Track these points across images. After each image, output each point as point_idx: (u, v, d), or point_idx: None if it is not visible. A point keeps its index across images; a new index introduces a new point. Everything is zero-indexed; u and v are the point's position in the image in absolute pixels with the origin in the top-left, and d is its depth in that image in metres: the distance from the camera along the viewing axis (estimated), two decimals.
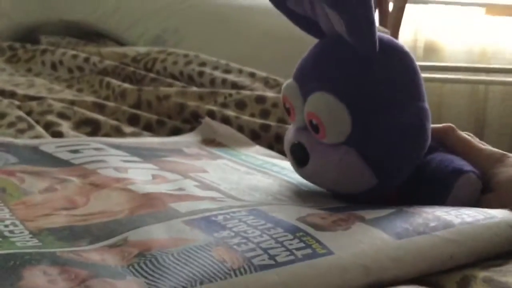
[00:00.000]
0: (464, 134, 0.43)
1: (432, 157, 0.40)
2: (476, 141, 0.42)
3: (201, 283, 0.24)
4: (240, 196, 0.38)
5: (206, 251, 0.27)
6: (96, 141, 0.52)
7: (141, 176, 0.42)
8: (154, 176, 0.42)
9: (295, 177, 0.46)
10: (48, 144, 0.50)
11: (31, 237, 0.30)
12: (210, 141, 0.59)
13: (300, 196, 0.40)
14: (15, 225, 0.31)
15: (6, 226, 0.31)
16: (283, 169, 0.49)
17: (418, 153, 0.39)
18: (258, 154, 0.55)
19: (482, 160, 0.40)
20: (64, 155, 0.47)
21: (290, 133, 0.41)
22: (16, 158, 0.44)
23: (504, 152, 0.41)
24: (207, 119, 0.62)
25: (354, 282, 0.27)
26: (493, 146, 0.43)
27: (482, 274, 0.29)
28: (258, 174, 0.47)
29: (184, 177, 0.42)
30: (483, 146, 0.42)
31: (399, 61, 0.38)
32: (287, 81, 0.41)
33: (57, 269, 0.25)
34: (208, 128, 0.61)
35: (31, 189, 0.38)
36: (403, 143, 0.38)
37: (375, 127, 0.37)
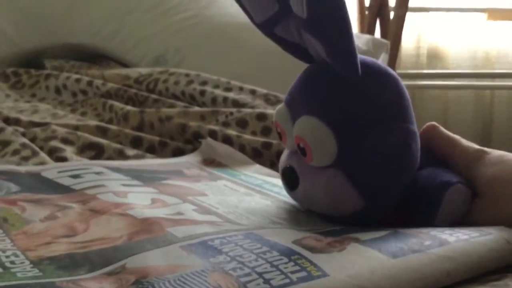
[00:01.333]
0: (447, 132, 0.42)
1: (419, 173, 0.40)
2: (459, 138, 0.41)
3: None
4: (238, 220, 0.39)
5: (202, 277, 0.28)
6: (97, 165, 0.53)
7: (140, 200, 0.42)
8: (153, 200, 0.43)
9: None
10: (50, 170, 0.51)
11: (31, 267, 0.30)
12: (210, 162, 0.59)
13: (297, 219, 0.41)
14: (16, 256, 0.32)
15: (8, 256, 0.31)
16: (282, 189, 0.49)
17: (405, 175, 0.39)
18: (258, 174, 0.56)
19: (466, 161, 0.39)
20: (66, 181, 0.47)
21: (283, 157, 0.42)
22: (18, 187, 0.45)
23: (484, 149, 0.40)
24: (207, 140, 0.63)
25: None
26: (502, 150, 0.41)
27: None
28: (256, 195, 0.47)
29: (183, 200, 0.43)
30: (466, 145, 0.40)
31: (383, 83, 0.39)
32: (278, 106, 0.41)
33: None
34: (208, 148, 0.61)
35: (32, 217, 0.38)
36: (389, 165, 0.38)
37: (360, 150, 0.37)
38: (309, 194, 0.39)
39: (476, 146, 0.41)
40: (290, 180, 0.40)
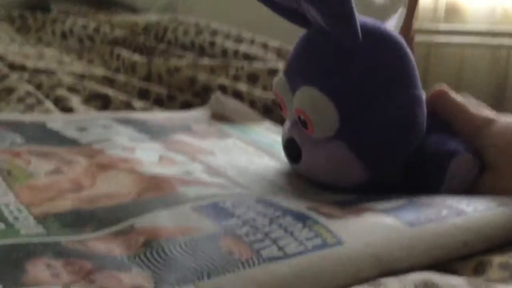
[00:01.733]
0: (458, 97, 0.40)
1: (426, 140, 0.38)
2: (471, 102, 0.40)
3: (209, 276, 0.24)
4: (247, 184, 0.38)
5: (213, 241, 0.27)
6: (104, 117, 0.51)
7: (148, 157, 0.41)
8: (161, 158, 0.41)
9: None
10: (56, 121, 0.49)
11: (36, 224, 0.29)
12: (220, 116, 0.58)
13: (309, 185, 0.39)
14: (20, 211, 0.31)
15: (11, 212, 0.30)
16: None
17: (410, 143, 0.37)
18: (268, 132, 0.54)
19: (473, 129, 0.38)
20: (71, 133, 0.46)
21: (285, 127, 0.40)
22: (23, 138, 0.44)
23: (491, 117, 0.38)
24: (217, 94, 0.61)
25: (365, 272, 0.26)
26: None
27: (498, 259, 0.28)
28: (266, 157, 0.46)
29: (192, 159, 0.41)
30: (475, 112, 0.39)
31: (385, 49, 0.36)
32: (277, 77, 0.40)
33: (62, 261, 0.25)
34: (218, 103, 0.60)
35: (36, 171, 0.37)
36: (394, 134, 0.36)
37: (363, 120, 0.36)
38: (312, 166, 0.38)
39: (484, 113, 0.39)
40: (292, 153, 0.39)
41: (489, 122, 0.38)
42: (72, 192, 0.34)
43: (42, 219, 0.30)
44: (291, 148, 0.39)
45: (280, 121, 0.60)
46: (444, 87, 0.41)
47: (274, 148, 0.49)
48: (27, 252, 0.25)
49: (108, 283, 0.23)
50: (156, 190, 0.34)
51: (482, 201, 0.33)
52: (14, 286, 0.22)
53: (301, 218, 0.29)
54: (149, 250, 0.26)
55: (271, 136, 0.53)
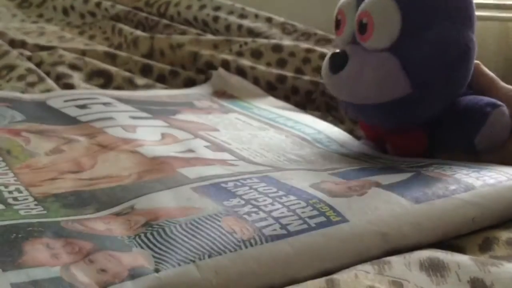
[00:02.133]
0: (488, 71, 0.42)
1: (461, 98, 0.39)
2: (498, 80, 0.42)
3: (210, 255, 0.23)
4: (251, 158, 0.37)
5: (215, 221, 0.26)
6: (105, 95, 0.50)
7: (150, 135, 0.40)
8: (163, 135, 0.41)
9: (310, 132, 0.45)
10: (56, 98, 0.49)
11: (35, 205, 0.29)
12: (222, 93, 0.57)
13: (314, 155, 0.39)
14: (20, 191, 0.30)
15: (10, 192, 0.30)
16: (297, 123, 0.47)
17: (456, 77, 0.38)
18: (271, 107, 0.53)
19: (504, 98, 0.40)
20: (72, 111, 0.45)
21: (331, 51, 0.41)
22: (23, 115, 0.43)
23: None
24: (219, 70, 0.60)
25: (371, 250, 0.26)
26: None
27: (505, 235, 0.28)
28: (271, 130, 0.45)
29: (195, 136, 0.41)
30: (502, 84, 0.41)
31: None
32: None
33: (61, 242, 0.24)
34: (220, 79, 0.59)
35: (36, 150, 0.36)
36: (445, 60, 0.37)
37: (422, 38, 0.37)
38: (355, 77, 0.38)
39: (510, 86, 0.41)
40: (339, 61, 0.39)
41: None
42: (72, 173, 0.33)
43: (41, 200, 0.29)
44: (339, 57, 0.39)
45: (284, 97, 0.59)
46: (478, 62, 0.42)
47: (278, 122, 0.48)
48: (25, 233, 0.25)
49: (107, 264, 0.23)
50: (157, 172, 0.33)
51: (492, 174, 0.32)
52: (12, 267, 0.22)
53: (304, 196, 0.29)
54: (150, 230, 0.25)
55: (274, 110, 0.52)
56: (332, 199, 0.28)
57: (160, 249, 0.24)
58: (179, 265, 0.23)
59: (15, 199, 0.29)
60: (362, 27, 0.38)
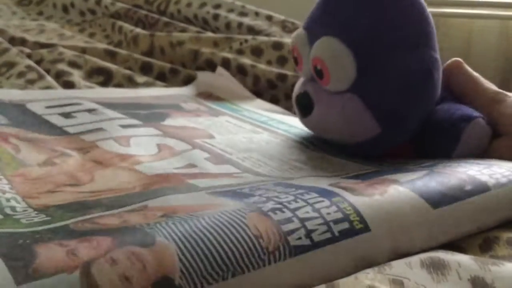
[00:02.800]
0: (471, 70, 0.41)
1: (440, 107, 0.38)
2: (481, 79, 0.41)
3: (233, 275, 0.21)
4: (255, 168, 0.36)
5: (239, 217, 0.24)
6: (87, 99, 0.48)
7: (145, 149, 0.38)
8: (159, 147, 0.39)
9: (304, 136, 0.43)
10: (36, 103, 0.46)
11: (37, 214, 0.26)
12: (208, 95, 0.55)
13: (316, 161, 0.38)
14: (17, 201, 0.27)
15: (8, 200, 0.27)
16: (291, 127, 0.46)
17: (424, 103, 0.37)
18: (260, 109, 0.52)
19: (486, 101, 0.39)
20: (57, 120, 0.42)
21: (297, 85, 0.41)
22: (6, 118, 0.41)
23: (505, 92, 0.39)
24: (202, 73, 0.59)
25: (381, 259, 0.25)
26: None
27: (505, 235, 0.28)
28: (264, 133, 0.44)
29: (192, 146, 0.39)
30: (487, 85, 0.40)
31: (410, 6, 0.37)
32: (297, 30, 0.40)
33: (76, 240, 0.21)
34: (205, 81, 0.57)
35: (28, 161, 0.34)
36: (409, 91, 0.36)
37: (380, 73, 0.36)
38: (324, 120, 0.38)
39: (497, 88, 0.40)
40: (305, 105, 0.39)
41: (504, 95, 0.39)
42: (70, 186, 0.31)
43: (43, 209, 0.26)
44: (304, 100, 0.39)
45: (284, 98, 0.59)
46: (459, 60, 0.41)
47: (270, 125, 0.47)
48: (33, 239, 0.22)
49: (131, 270, 0.20)
50: (164, 183, 0.31)
51: (503, 170, 0.32)
52: (25, 276, 0.19)
53: (327, 194, 0.27)
54: (171, 220, 0.23)
55: (264, 113, 0.51)
56: (355, 197, 0.27)
57: (185, 247, 0.21)
58: (202, 285, 0.21)
59: (13, 209, 0.26)
60: (318, 73, 0.37)
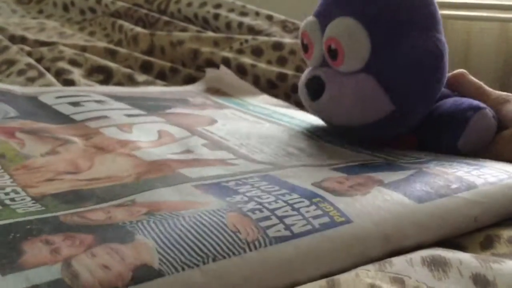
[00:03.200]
0: (475, 80, 0.42)
1: (446, 100, 0.40)
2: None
3: (214, 259, 0.23)
4: (250, 155, 0.37)
5: (219, 217, 0.25)
6: (97, 92, 0.50)
7: (146, 135, 0.39)
8: (160, 134, 0.40)
9: (306, 127, 0.44)
10: (48, 94, 0.48)
11: (33, 203, 0.28)
12: (215, 91, 0.56)
13: (314, 148, 0.38)
14: (16, 192, 0.29)
15: (7, 193, 0.29)
16: (293, 119, 0.47)
17: (435, 82, 0.38)
18: (265, 104, 0.53)
19: (492, 102, 0.40)
20: (65, 108, 0.44)
21: (305, 73, 0.41)
22: (16, 111, 0.42)
23: (510, 94, 0.41)
24: (212, 69, 0.60)
25: (374, 251, 0.25)
26: None
27: (506, 233, 0.28)
28: (267, 123, 0.45)
29: (192, 133, 0.40)
30: (491, 90, 0.42)
31: None
32: (307, 18, 0.40)
33: (61, 236, 0.23)
34: (213, 77, 0.58)
35: (32, 153, 0.35)
36: (421, 69, 0.37)
37: (393, 53, 0.37)
38: (335, 102, 0.38)
39: (502, 92, 0.41)
40: (316, 88, 0.39)
41: (506, 95, 0.40)
42: (69, 173, 0.32)
43: (39, 199, 0.28)
44: (314, 84, 0.39)
45: (284, 97, 0.59)
46: (464, 71, 0.43)
47: (273, 117, 0.48)
48: (24, 232, 0.24)
49: (110, 260, 0.22)
50: (157, 172, 0.33)
51: (492, 171, 0.32)
52: (11, 269, 0.21)
53: (308, 195, 0.28)
54: (152, 219, 0.25)
55: (269, 107, 0.52)
56: (336, 197, 0.28)
57: (164, 243, 0.23)
58: (183, 269, 0.22)
59: (12, 200, 0.28)
60: (332, 53, 0.37)
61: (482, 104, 0.38)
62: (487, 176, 0.31)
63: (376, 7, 0.37)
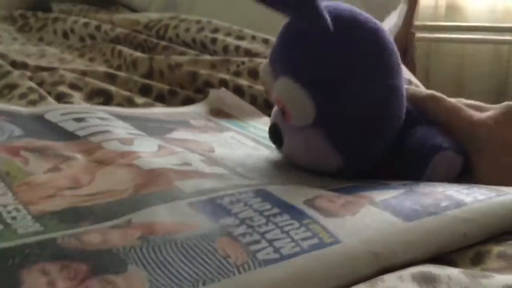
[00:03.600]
0: (453, 102, 0.41)
1: (414, 131, 0.39)
2: (466, 107, 0.41)
3: (204, 283, 0.23)
4: (246, 174, 0.37)
5: (210, 242, 0.26)
6: (102, 111, 0.51)
7: (147, 147, 0.40)
8: (160, 147, 0.41)
9: None
10: (54, 112, 0.48)
11: (33, 222, 0.29)
12: (218, 112, 0.57)
13: (308, 174, 0.39)
14: (18, 210, 0.30)
15: (9, 212, 0.30)
16: None
17: (384, 132, 0.38)
18: (266, 126, 0.54)
19: (468, 127, 0.39)
20: (69, 125, 0.45)
21: (272, 113, 0.41)
22: (21, 130, 0.43)
23: (482, 107, 0.40)
24: (215, 90, 0.61)
25: (363, 270, 0.26)
26: None
27: (496, 249, 0.29)
28: (266, 150, 0.46)
29: (191, 151, 0.41)
30: (468, 113, 0.40)
31: (361, 37, 0.37)
32: (264, 63, 0.40)
33: (57, 265, 0.24)
34: (216, 98, 0.59)
35: (35, 170, 0.36)
36: (366, 122, 0.37)
37: (337, 108, 0.36)
38: (292, 153, 0.39)
39: (472, 112, 0.40)
40: (275, 138, 0.40)
41: (476, 117, 0.39)
42: (70, 189, 0.33)
43: (39, 217, 0.29)
44: (275, 134, 0.40)
45: None
46: (434, 94, 0.41)
47: None
48: (22, 258, 0.25)
49: None
50: (154, 185, 0.33)
51: (482, 190, 0.33)
52: None
53: (298, 216, 0.29)
54: (146, 245, 0.26)
55: None
56: (326, 219, 0.29)
57: (155, 271, 0.24)
58: None
59: (13, 218, 0.29)
60: (282, 111, 0.38)
61: (444, 143, 0.37)
62: (476, 194, 0.32)
63: (312, 67, 0.36)
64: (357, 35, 0.37)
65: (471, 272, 0.25)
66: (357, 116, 0.36)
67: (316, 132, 0.37)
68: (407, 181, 0.37)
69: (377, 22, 0.38)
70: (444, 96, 0.41)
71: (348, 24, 0.36)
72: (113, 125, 0.46)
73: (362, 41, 0.37)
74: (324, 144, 0.37)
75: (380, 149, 0.38)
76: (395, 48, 0.38)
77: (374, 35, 0.37)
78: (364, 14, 0.38)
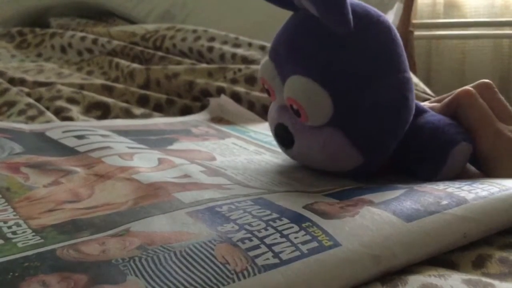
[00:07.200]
0: (482, 103, 0.39)
1: (424, 123, 0.38)
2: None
3: None
4: (247, 182, 0.37)
5: (208, 249, 0.26)
6: (104, 128, 0.51)
7: (147, 162, 0.40)
8: (160, 161, 0.41)
9: None
10: (55, 129, 0.49)
11: (33, 235, 0.29)
12: (219, 120, 0.58)
13: (309, 177, 0.39)
14: (18, 225, 0.30)
15: (10, 227, 0.30)
16: None
17: (402, 126, 0.37)
18: (267, 131, 0.54)
19: (489, 138, 0.38)
20: (70, 142, 0.45)
21: (273, 110, 0.40)
22: (22, 147, 0.43)
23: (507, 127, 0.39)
24: (215, 98, 0.61)
25: (364, 273, 0.26)
26: None
27: (498, 253, 0.28)
28: (266, 153, 0.46)
29: (191, 162, 0.41)
30: (498, 125, 0.38)
31: (374, 33, 0.36)
32: (263, 60, 0.39)
33: (57, 277, 0.24)
34: (217, 106, 0.60)
35: (35, 185, 0.36)
36: (387, 119, 0.36)
37: (356, 105, 0.35)
38: (305, 153, 0.38)
39: (499, 124, 0.39)
40: (285, 139, 0.38)
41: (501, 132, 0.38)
42: (70, 202, 0.34)
43: (39, 231, 0.29)
44: (282, 134, 0.38)
45: None
46: (470, 90, 0.40)
47: (273, 144, 0.49)
48: (22, 271, 0.25)
49: None
50: (153, 197, 0.33)
51: (484, 185, 0.32)
52: None
53: (297, 220, 0.29)
54: (145, 255, 0.26)
55: (269, 133, 0.53)
56: (325, 221, 0.28)
57: (154, 281, 0.24)
58: None
59: (14, 233, 0.29)
60: (295, 112, 0.36)
61: (457, 135, 0.37)
62: (478, 191, 0.32)
63: (329, 63, 0.35)
64: (373, 31, 0.36)
65: (473, 282, 0.24)
66: (375, 112, 0.36)
67: (333, 131, 0.36)
68: (413, 179, 0.36)
69: (385, 17, 0.38)
70: (477, 97, 0.40)
71: (362, 20, 0.36)
72: (114, 141, 0.46)
73: (376, 37, 0.36)
74: (343, 143, 0.36)
75: (396, 142, 0.37)
76: (400, 41, 0.38)
77: (387, 29, 0.37)
78: (373, 8, 0.37)
